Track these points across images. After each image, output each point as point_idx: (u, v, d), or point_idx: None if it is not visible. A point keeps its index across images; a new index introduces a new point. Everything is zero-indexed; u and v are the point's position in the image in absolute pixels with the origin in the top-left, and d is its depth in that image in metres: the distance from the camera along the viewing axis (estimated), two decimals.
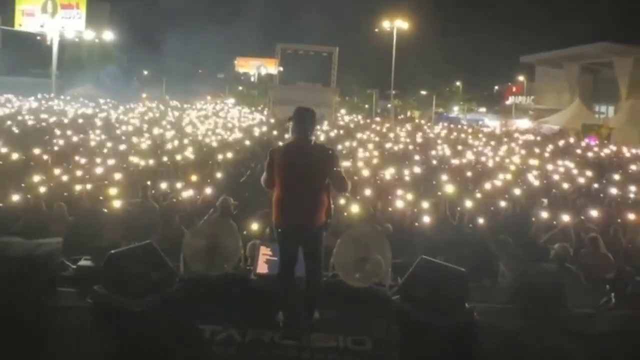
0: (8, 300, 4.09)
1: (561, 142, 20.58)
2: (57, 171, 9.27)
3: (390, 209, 7.56)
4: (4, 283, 4.22)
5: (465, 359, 4.10)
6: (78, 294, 4.39)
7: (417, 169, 10.51)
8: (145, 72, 59.17)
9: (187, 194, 8.08)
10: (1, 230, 5.58)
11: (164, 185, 8.66)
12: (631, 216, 7.72)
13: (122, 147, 12.85)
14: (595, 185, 10.64)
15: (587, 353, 4.17)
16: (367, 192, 8.09)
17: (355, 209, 6.73)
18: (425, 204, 7.57)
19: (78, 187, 8.07)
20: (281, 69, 45.49)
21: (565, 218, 6.94)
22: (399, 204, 7.57)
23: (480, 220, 7.27)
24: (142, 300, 3.95)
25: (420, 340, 4.19)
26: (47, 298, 4.28)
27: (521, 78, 50.71)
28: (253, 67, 72.13)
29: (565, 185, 10.17)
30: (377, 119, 35.98)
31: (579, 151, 17.80)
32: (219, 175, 9.92)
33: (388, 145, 16.51)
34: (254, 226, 6.33)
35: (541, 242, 6.58)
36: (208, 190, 8.24)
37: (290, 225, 4.23)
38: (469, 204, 7.73)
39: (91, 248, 5.34)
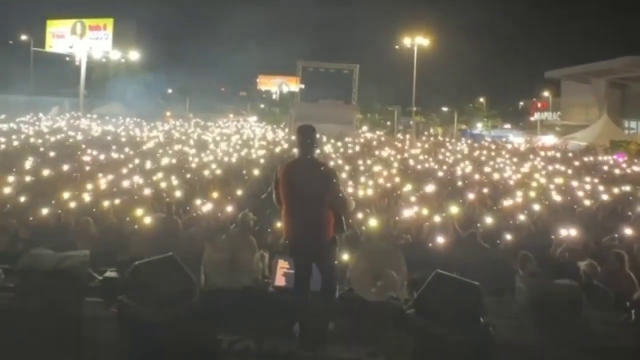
0: (37, 310, 4.28)
1: (586, 159, 20.31)
2: (85, 187, 9.57)
3: (406, 224, 7.61)
4: (34, 293, 4.43)
5: None
6: (104, 304, 4.56)
7: (433, 186, 10.53)
8: (170, 91, 60.44)
9: (209, 209, 8.26)
10: (38, 241, 5.82)
11: (187, 201, 8.86)
12: None
13: (147, 163, 13.18)
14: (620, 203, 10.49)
15: None
16: (386, 207, 8.17)
17: (372, 223, 6.81)
18: (440, 220, 7.61)
19: (105, 203, 8.31)
20: (302, 86, 46.04)
21: (574, 232, 6.91)
22: (416, 219, 7.63)
23: (501, 237, 7.29)
24: (164, 310, 4.10)
25: (434, 354, 4.24)
26: (74, 308, 4.45)
27: (546, 94, 50.28)
28: (275, 85, 73.07)
29: (588, 202, 10.07)
30: (399, 135, 36.02)
31: (605, 168, 17.54)
32: (240, 192, 10.11)
33: (410, 161, 16.56)
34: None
35: (557, 255, 6.56)
36: (229, 207, 8.42)
37: (299, 240, 4.40)
38: (488, 220, 7.74)
39: (116, 261, 5.54)
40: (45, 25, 42.85)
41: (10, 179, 9.78)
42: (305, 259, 4.43)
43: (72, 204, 8.26)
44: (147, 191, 9.30)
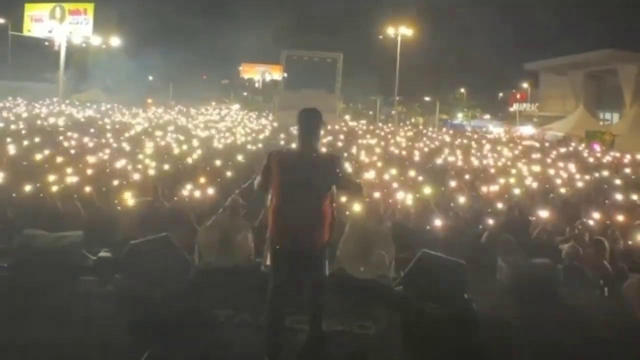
0: (33, 288, 4.37)
1: (563, 149, 20.78)
2: (70, 171, 9.55)
3: (393, 208, 7.81)
4: (29, 273, 4.51)
5: (464, 346, 4.33)
6: (99, 282, 4.66)
7: (414, 172, 10.77)
8: (150, 78, 59.72)
9: (196, 194, 8.34)
10: (21, 217, 5.85)
11: (173, 186, 8.92)
12: (625, 218, 7.96)
13: (132, 149, 13.17)
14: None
15: (577, 341, 4.40)
16: (372, 192, 8.35)
17: (357, 207, 6.98)
18: (426, 203, 7.83)
19: (89, 187, 8.33)
20: (286, 75, 45.94)
21: (544, 214, 7.23)
22: (403, 203, 7.83)
23: (483, 221, 7.54)
24: (160, 287, 4.22)
25: (421, 327, 4.45)
26: (70, 286, 4.54)
27: (525, 85, 51.01)
28: (258, 73, 72.76)
29: (563, 190, 10.41)
30: (380, 124, 36.27)
31: (584, 155, 18.02)
32: (226, 176, 10.20)
33: (391, 149, 16.80)
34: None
35: (534, 236, 6.85)
36: (213, 192, 8.49)
37: (289, 241, 3.69)
38: (468, 204, 7.98)
39: (108, 241, 5.63)
40: (24, 9, 41.86)
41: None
42: (290, 266, 3.73)
43: (57, 187, 8.26)
44: (134, 175, 9.33)
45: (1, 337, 3.92)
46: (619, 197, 9.73)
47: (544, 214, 7.23)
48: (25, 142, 13.07)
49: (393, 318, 4.59)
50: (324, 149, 4.31)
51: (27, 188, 7.84)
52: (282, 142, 17.09)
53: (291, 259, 3.72)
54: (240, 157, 12.41)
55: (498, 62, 56.11)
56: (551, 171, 13.10)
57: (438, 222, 6.87)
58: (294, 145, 4.15)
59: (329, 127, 24.82)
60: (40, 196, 7.73)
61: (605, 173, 12.46)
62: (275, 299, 3.72)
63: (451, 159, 14.77)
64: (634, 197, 9.97)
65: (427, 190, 8.19)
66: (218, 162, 11.47)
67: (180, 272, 4.61)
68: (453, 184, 9.87)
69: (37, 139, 13.81)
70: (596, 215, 8.01)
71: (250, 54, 68.55)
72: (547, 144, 22.71)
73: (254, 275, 4.91)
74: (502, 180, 10.88)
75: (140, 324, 4.03)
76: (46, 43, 45.75)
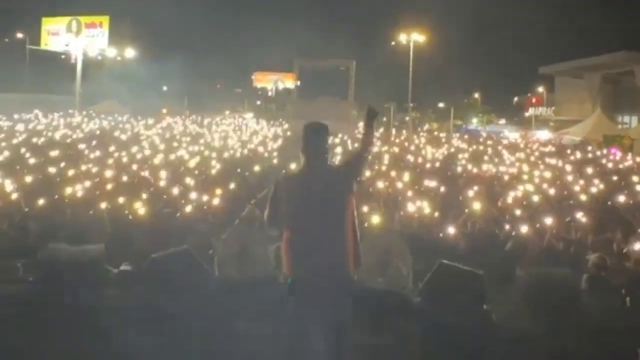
0: (58, 302, 4.45)
1: (579, 154, 20.56)
2: (89, 183, 9.70)
3: (410, 217, 7.81)
4: (54, 286, 4.59)
5: (483, 358, 4.32)
6: (122, 296, 4.73)
7: (433, 182, 10.73)
8: (165, 88, 60.43)
9: (212, 205, 8.42)
10: (49, 235, 5.96)
11: (191, 197, 9.02)
12: None
13: (148, 160, 13.34)
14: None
15: (599, 351, 4.36)
16: (387, 201, 8.37)
17: (375, 218, 6.99)
18: (444, 214, 7.82)
19: (112, 199, 8.45)
20: (299, 83, 46.15)
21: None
22: (419, 212, 7.83)
23: (501, 229, 7.52)
24: (182, 299, 4.27)
25: (440, 340, 4.45)
26: (93, 299, 4.61)
27: (540, 89, 50.64)
28: (270, 82, 73.29)
29: (583, 197, 10.31)
30: (394, 131, 36.26)
31: (603, 161, 17.81)
32: (243, 186, 10.29)
33: (408, 157, 16.79)
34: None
35: (553, 245, 6.78)
36: (230, 202, 8.57)
37: (307, 276, 3.23)
38: (487, 212, 7.95)
39: (129, 254, 5.71)
40: (41, 23, 42.65)
41: (15, 177, 9.88)
42: (312, 306, 3.24)
43: (78, 199, 8.40)
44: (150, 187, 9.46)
45: (27, 349, 4.01)
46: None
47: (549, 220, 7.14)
48: (45, 155, 13.33)
49: (412, 329, 4.59)
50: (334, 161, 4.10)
51: (48, 201, 8.00)
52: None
53: (309, 295, 3.22)
54: (256, 167, 12.51)
55: (512, 66, 55.97)
56: (569, 177, 12.98)
57: (453, 231, 6.86)
58: (294, 166, 3.80)
59: (340, 136, 24.88)
60: (61, 209, 7.88)
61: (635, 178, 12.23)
62: (295, 331, 3.31)
63: (467, 165, 14.72)
64: None
65: (444, 199, 8.18)
66: (235, 172, 11.58)
67: (201, 285, 4.66)
68: (470, 192, 9.83)
69: (55, 152, 14.04)
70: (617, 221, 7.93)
71: (263, 62, 69.14)
72: (568, 151, 22.44)
73: (274, 287, 4.95)
74: (520, 187, 10.82)
75: (161, 337, 4.09)
76: (62, 56, 46.52)
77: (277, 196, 3.46)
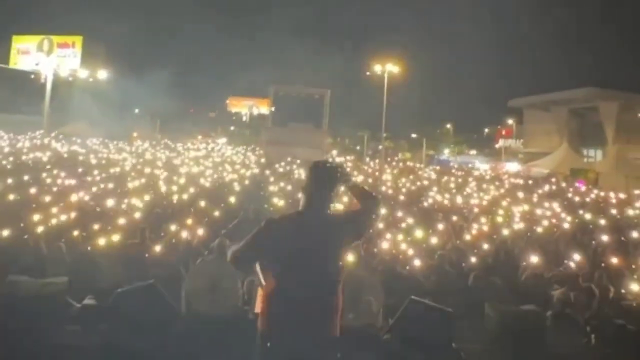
0: (18, 337, 4.27)
1: (547, 187, 21.04)
2: (54, 211, 9.45)
3: (380, 252, 7.81)
4: (14, 321, 4.41)
5: None
6: (83, 332, 4.57)
7: (400, 213, 10.82)
8: (137, 111, 59.87)
9: (183, 235, 8.28)
10: (2, 269, 5.75)
11: (159, 227, 8.87)
12: (615, 261, 7.98)
13: (118, 188, 13.09)
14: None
15: None
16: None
17: (351, 258, 6.98)
18: (415, 248, 7.85)
19: (75, 230, 8.24)
20: (273, 109, 46.36)
21: (535, 259, 7.22)
22: (390, 247, 7.84)
23: (467, 261, 7.59)
24: (146, 338, 4.15)
25: None
26: (54, 336, 4.45)
27: (510, 121, 51.94)
28: (245, 107, 73.34)
29: (546, 230, 10.52)
30: (368, 159, 36.56)
31: (569, 195, 18.25)
32: (213, 216, 10.17)
33: (380, 187, 16.90)
34: None
35: (522, 280, 6.85)
36: (201, 232, 8.44)
37: (289, 338, 2.86)
38: (455, 246, 8.03)
39: (93, 287, 5.54)
40: (11, 41, 41.97)
41: None
42: None
43: (41, 228, 8.15)
44: (120, 216, 9.25)
45: None
46: (604, 238, 9.82)
47: (533, 258, 7.25)
48: (9, 180, 12.93)
49: None
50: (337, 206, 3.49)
51: (10, 230, 7.73)
52: (271, 179, 17.12)
53: (294, 357, 2.84)
54: (230, 197, 12.38)
55: (483, 98, 57.42)
56: (537, 211, 13.24)
57: (419, 263, 6.89)
58: (292, 211, 3.17)
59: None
60: (24, 238, 7.63)
61: (589, 215, 12.56)
62: None
63: (438, 197, 14.88)
64: (622, 238, 10.08)
65: (415, 233, 8.24)
66: (205, 202, 11.43)
67: (167, 322, 4.54)
68: (440, 225, 9.92)
69: (21, 176, 13.66)
70: (581, 258, 8.08)
71: (238, 87, 69.33)
72: (530, 182, 22.98)
73: (243, 325, 4.86)
74: (488, 220, 10.98)
75: None
76: (32, 76, 45.75)
77: (264, 237, 2.95)
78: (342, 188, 3.19)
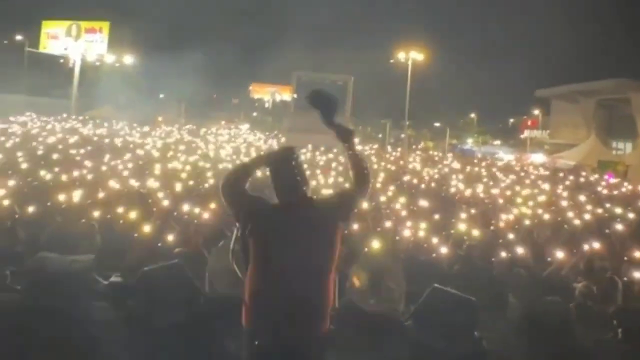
0: (46, 312, 4.38)
1: (572, 177, 20.64)
2: (81, 191, 9.62)
3: (402, 239, 7.78)
4: (42, 296, 4.53)
5: None
6: (110, 308, 4.67)
7: (426, 202, 10.74)
8: (161, 96, 60.49)
9: (206, 217, 8.37)
10: (32, 239, 5.90)
11: (185, 209, 8.96)
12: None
13: (144, 171, 13.28)
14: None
15: None
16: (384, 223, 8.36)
17: (375, 244, 6.97)
18: (438, 236, 7.80)
19: (102, 210, 8.38)
20: (296, 96, 46.33)
21: (560, 255, 7.09)
22: (414, 234, 7.81)
23: (496, 254, 7.51)
24: (171, 315, 4.22)
25: None
26: (82, 312, 4.55)
27: (536, 112, 51.07)
28: (268, 93, 73.56)
29: (577, 221, 10.33)
30: (389, 148, 36.37)
31: (598, 188, 17.89)
32: None
33: (403, 175, 16.83)
34: None
35: (549, 275, 6.73)
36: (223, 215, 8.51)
37: (276, 336, 2.69)
38: (480, 236, 7.96)
39: (120, 266, 5.65)
40: (41, 26, 42.73)
41: (8, 181, 9.79)
42: None
43: (68, 207, 8.32)
44: (146, 197, 9.39)
45: None
46: (630, 231, 9.62)
47: (559, 254, 7.12)
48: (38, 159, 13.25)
49: (402, 354, 4.55)
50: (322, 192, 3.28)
51: (39, 207, 7.92)
52: None
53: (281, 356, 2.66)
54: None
55: (509, 88, 56.52)
56: (563, 202, 13.02)
57: (445, 252, 6.84)
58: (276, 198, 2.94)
59: (335, 150, 24.87)
60: (52, 217, 7.80)
61: (617, 208, 12.26)
62: None
63: (461, 187, 14.74)
64: None
65: (438, 221, 8.17)
66: None
67: (191, 300, 4.60)
68: (463, 214, 9.83)
69: (50, 157, 13.97)
70: (601, 247, 7.93)
71: (261, 74, 69.42)
72: (561, 174, 22.57)
73: None
74: (513, 211, 10.84)
75: (150, 352, 4.04)
76: (61, 60, 46.59)
77: (245, 227, 2.81)
78: (343, 149, 3.01)
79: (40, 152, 15.32)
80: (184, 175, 13.07)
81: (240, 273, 2.95)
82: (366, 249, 6.23)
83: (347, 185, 3.02)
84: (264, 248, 2.75)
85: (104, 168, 13.09)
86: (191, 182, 11.87)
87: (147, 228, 7.10)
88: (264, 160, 3.01)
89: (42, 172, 11.11)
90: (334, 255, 2.81)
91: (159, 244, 6.89)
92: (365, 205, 9.71)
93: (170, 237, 7.00)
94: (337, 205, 2.89)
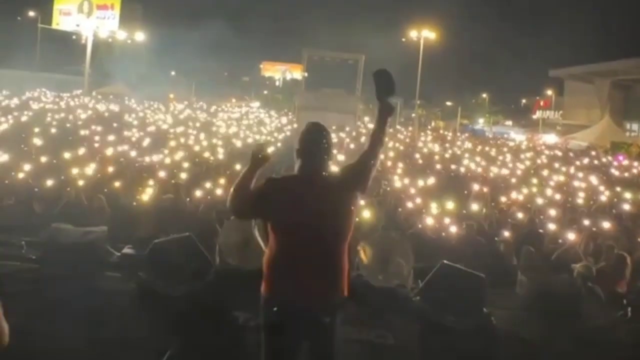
0: (60, 281, 4.47)
1: (586, 160, 20.43)
2: (94, 164, 9.72)
3: (411, 216, 7.79)
4: (57, 265, 4.62)
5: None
6: (122, 278, 4.75)
7: (434, 179, 10.73)
8: (173, 73, 60.39)
9: (217, 192, 8.43)
10: (53, 215, 5.99)
11: (194, 184, 9.03)
12: None
13: (155, 146, 13.35)
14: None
15: (597, 356, 4.37)
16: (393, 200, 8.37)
17: (376, 215, 6.99)
18: (448, 214, 7.80)
19: (116, 183, 8.48)
20: (306, 74, 46.02)
21: (572, 236, 7.05)
22: (423, 212, 7.82)
23: (500, 233, 7.51)
24: (181, 286, 4.29)
25: (439, 339, 4.45)
26: (94, 281, 4.64)
27: (549, 92, 50.37)
28: (278, 72, 73.18)
29: (581, 201, 10.29)
30: (398, 127, 36.18)
31: (611, 170, 17.71)
32: None
33: (414, 153, 16.79)
34: None
35: (552, 258, 6.71)
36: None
37: (292, 305, 2.77)
38: (488, 214, 7.95)
39: (132, 238, 5.73)
40: (53, 3, 42.63)
41: (21, 156, 9.91)
42: (293, 336, 2.82)
43: (82, 182, 8.42)
44: (158, 172, 9.47)
45: (26, 328, 4.02)
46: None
47: (570, 235, 7.08)
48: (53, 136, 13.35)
49: (411, 329, 4.60)
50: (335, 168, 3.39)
51: (53, 182, 8.03)
52: None
53: (294, 326, 2.77)
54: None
55: (522, 68, 55.68)
56: (574, 183, 12.93)
57: (454, 230, 6.84)
58: (296, 171, 3.03)
59: (347, 129, 24.83)
60: (67, 190, 7.90)
61: (629, 190, 12.14)
62: None
63: (471, 166, 14.68)
64: None
65: (447, 200, 8.17)
66: (239, 161, 11.56)
67: (201, 272, 4.67)
68: (473, 193, 9.81)
69: (63, 132, 14.08)
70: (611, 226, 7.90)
71: (272, 52, 68.99)
72: (571, 154, 22.36)
73: None
74: (523, 190, 10.79)
75: (161, 323, 4.12)
76: (73, 37, 46.55)
77: (264, 195, 2.86)
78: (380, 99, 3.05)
79: (53, 128, 15.42)
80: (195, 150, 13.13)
81: (264, 244, 3.04)
82: (375, 226, 6.27)
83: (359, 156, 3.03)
84: (283, 218, 2.84)
85: (117, 146, 13.16)
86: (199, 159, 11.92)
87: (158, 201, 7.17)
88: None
89: (57, 148, 11.21)
90: (350, 224, 2.89)
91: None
92: (376, 184, 9.74)
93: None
94: (353, 174, 2.96)
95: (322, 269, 2.79)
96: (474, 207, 8.53)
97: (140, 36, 45.13)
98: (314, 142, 2.96)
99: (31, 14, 46.81)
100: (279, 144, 16.74)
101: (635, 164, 19.86)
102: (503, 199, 10.08)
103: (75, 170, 8.85)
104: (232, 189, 2.95)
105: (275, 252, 2.85)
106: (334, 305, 2.85)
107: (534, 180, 12.61)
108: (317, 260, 2.78)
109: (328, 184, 2.91)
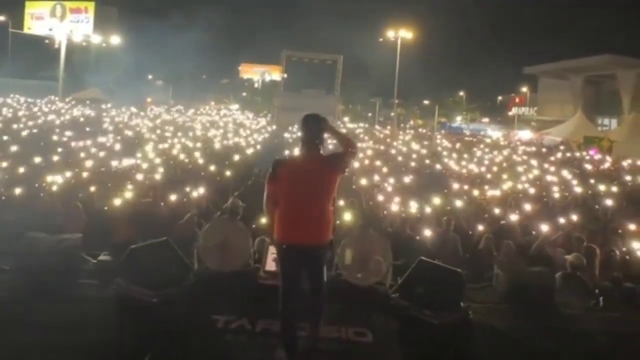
0: (35, 291, 4.40)
1: (559, 154, 20.78)
2: (68, 171, 9.57)
3: (389, 214, 7.84)
4: (32, 275, 4.54)
5: (460, 355, 4.38)
6: (99, 286, 4.70)
7: (410, 178, 10.81)
8: (150, 77, 59.72)
9: (194, 195, 8.38)
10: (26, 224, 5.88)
11: (172, 188, 8.95)
12: (627, 226, 7.97)
13: (131, 150, 13.20)
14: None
15: (572, 350, 4.46)
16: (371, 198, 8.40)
17: (356, 214, 7.03)
18: (424, 211, 7.88)
19: (91, 188, 8.36)
20: (285, 75, 45.95)
21: (545, 228, 7.18)
22: (400, 210, 7.87)
23: (474, 228, 7.62)
24: (159, 291, 4.26)
25: (417, 334, 4.50)
26: (70, 290, 4.58)
27: (524, 89, 51.11)
28: (257, 74, 72.79)
29: (557, 195, 10.47)
30: (377, 127, 36.33)
31: (585, 165, 18.04)
32: (225, 178, 10.25)
33: (392, 152, 16.88)
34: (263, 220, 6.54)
35: (536, 247, 6.81)
36: (213, 193, 8.53)
37: (295, 244, 3.83)
38: (465, 210, 8.04)
39: (108, 244, 5.66)
40: (24, 6, 41.84)
41: None
42: (297, 263, 3.88)
43: (57, 188, 8.29)
44: (134, 177, 9.36)
45: (2, 337, 3.96)
46: (613, 204, 9.76)
47: (544, 227, 7.21)
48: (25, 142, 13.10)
49: (390, 325, 4.64)
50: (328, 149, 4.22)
51: (27, 189, 7.88)
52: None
53: (298, 257, 3.85)
54: (238, 158, 12.48)
55: (497, 66, 56.40)
56: (548, 177, 13.15)
57: (430, 231, 6.89)
58: (297, 152, 4.09)
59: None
60: (40, 197, 7.77)
61: (601, 183, 12.40)
62: (288, 303, 3.84)
63: (449, 163, 14.82)
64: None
65: (426, 197, 8.24)
66: (217, 164, 11.51)
67: (180, 277, 4.64)
68: (451, 190, 9.92)
69: (37, 139, 13.82)
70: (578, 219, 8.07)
71: (250, 54, 68.67)
72: (544, 150, 22.73)
73: (253, 281, 4.96)
74: (499, 186, 10.94)
75: (139, 328, 4.07)
76: (46, 41, 45.71)
77: (277, 178, 3.87)
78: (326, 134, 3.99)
79: (25, 135, 15.14)
80: (172, 154, 13.02)
81: (269, 216, 3.99)
82: (354, 225, 6.30)
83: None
84: (289, 186, 3.85)
85: (92, 150, 12.99)
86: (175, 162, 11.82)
87: (135, 205, 7.10)
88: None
89: (29, 155, 11.00)
90: (333, 193, 3.95)
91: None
92: (355, 182, 9.79)
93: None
94: (335, 159, 3.95)
95: (315, 221, 3.87)
96: (457, 203, 8.62)
97: (115, 40, 44.54)
98: (308, 129, 3.93)
99: (1, 18, 45.84)
100: (257, 146, 16.72)
101: (607, 157, 20.27)
102: (479, 194, 10.20)
103: (49, 177, 8.71)
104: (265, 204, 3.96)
105: (283, 209, 3.88)
106: (324, 246, 3.92)
107: (509, 176, 12.80)
108: (310, 214, 3.85)
109: (320, 162, 3.90)
